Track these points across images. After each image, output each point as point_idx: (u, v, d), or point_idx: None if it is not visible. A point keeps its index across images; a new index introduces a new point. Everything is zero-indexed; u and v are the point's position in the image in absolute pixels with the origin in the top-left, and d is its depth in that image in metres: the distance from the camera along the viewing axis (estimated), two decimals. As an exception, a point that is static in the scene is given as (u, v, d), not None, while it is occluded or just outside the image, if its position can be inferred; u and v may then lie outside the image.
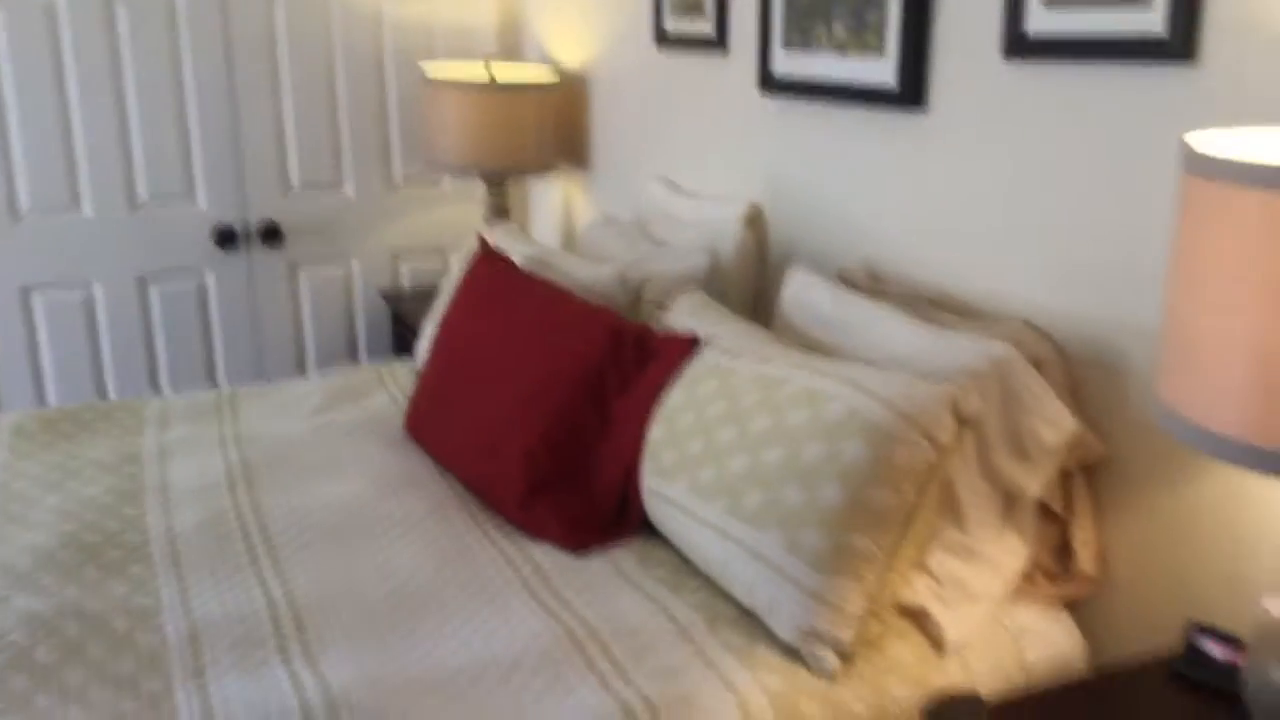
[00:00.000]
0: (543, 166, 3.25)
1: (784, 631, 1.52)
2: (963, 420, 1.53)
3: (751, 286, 2.41)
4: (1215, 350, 1.06)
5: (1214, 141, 1.16)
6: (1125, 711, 1.35)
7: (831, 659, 1.48)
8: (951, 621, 1.58)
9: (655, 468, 1.78)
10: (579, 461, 1.93)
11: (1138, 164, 1.59)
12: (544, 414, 1.93)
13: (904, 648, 1.56)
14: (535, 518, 1.85)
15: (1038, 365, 1.67)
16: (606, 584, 1.70)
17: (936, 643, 1.58)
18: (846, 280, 2.08)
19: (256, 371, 3.55)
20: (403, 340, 3.45)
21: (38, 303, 3.24)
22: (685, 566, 1.75)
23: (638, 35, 2.98)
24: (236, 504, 1.98)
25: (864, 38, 2.06)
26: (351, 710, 1.38)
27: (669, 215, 2.69)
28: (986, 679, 1.59)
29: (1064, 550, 1.72)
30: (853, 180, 2.19)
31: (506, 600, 1.65)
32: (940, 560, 1.61)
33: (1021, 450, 1.64)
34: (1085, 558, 1.70)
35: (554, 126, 3.26)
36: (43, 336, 3.27)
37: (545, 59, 3.56)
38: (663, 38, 2.80)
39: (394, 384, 2.62)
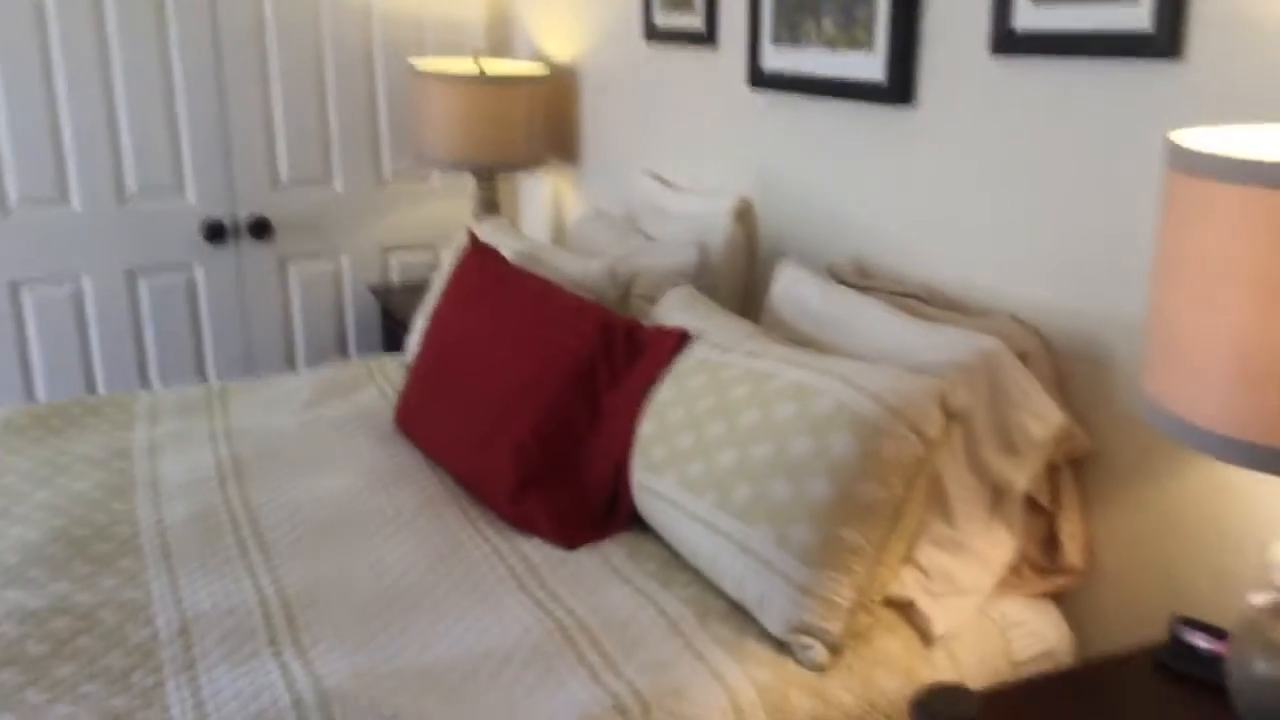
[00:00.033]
0: (532, 161, 3.25)
1: (773, 625, 1.52)
2: (950, 414, 1.54)
3: (741, 281, 2.42)
4: (1198, 345, 1.07)
5: (1199, 138, 1.17)
6: (1110, 701, 1.36)
7: (820, 651, 1.49)
8: (939, 614, 1.59)
9: (645, 462, 1.79)
10: (569, 456, 1.93)
11: (1125, 160, 1.60)
12: (534, 408, 1.94)
13: (892, 640, 1.57)
14: (526, 512, 1.86)
15: (1025, 359, 1.68)
16: (597, 578, 1.71)
17: (924, 635, 1.59)
18: (835, 275, 2.09)
19: (246, 366, 3.55)
20: (392, 335, 3.45)
21: (26, 297, 3.23)
22: (675, 561, 1.76)
23: (627, 30, 2.98)
24: (227, 498, 1.98)
25: (853, 33, 2.07)
26: (343, 703, 1.38)
27: (659, 210, 2.70)
28: (974, 671, 1.60)
29: (1051, 543, 1.73)
30: (842, 175, 2.20)
31: (498, 595, 1.66)
32: (928, 553, 1.62)
33: (1009, 444, 1.65)
34: (1072, 550, 1.71)
35: (543, 121, 3.26)
36: (31, 331, 3.26)
37: (535, 54, 3.56)
38: (652, 32, 2.81)
39: (384, 378, 2.62)
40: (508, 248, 2.46)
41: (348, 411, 2.39)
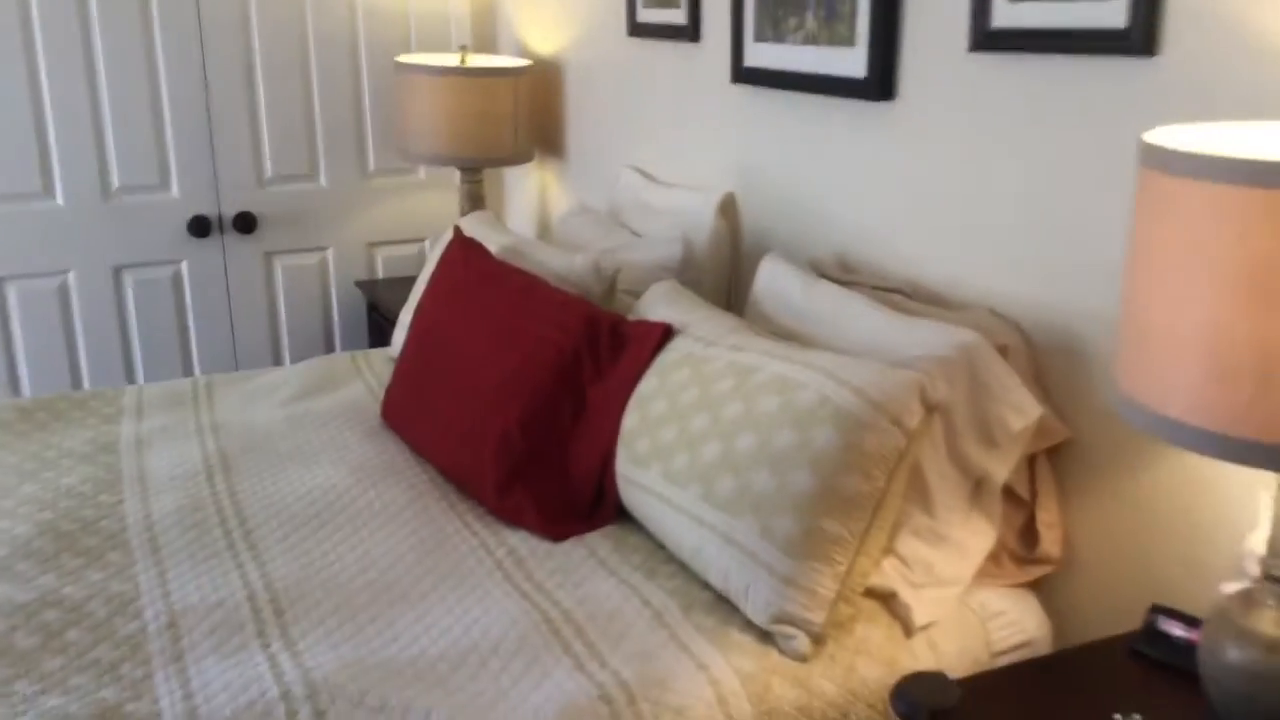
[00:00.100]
0: (517, 156, 3.26)
1: (757, 615, 1.54)
2: (931, 406, 1.56)
3: (725, 275, 2.44)
4: (1170, 339, 1.09)
5: (1173, 136, 1.19)
6: (1088, 688, 1.38)
7: (803, 641, 1.51)
8: (920, 604, 1.61)
9: (629, 455, 1.80)
10: (555, 449, 1.95)
11: (1100, 156, 1.62)
12: (520, 401, 1.95)
13: (873, 629, 1.60)
14: (512, 505, 1.87)
15: (1004, 353, 1.70)
16: (583, 570, 1.72)
17: (905, 625, 1.61)
18: (818, 269, 2.11)
19: (231, 361, 3.55)
20: (378, 329, 3.45)
21: (11, 292, 3.22)
22: (660, 552, 1.78)
23: (611, 24, 2.99)
24: (214, 492, 1.99)
25: (835, 28, 2.09)
26: (331, 695, 1.40)
27: (643, 204, 2.71)
28: (954, 660, 1.62)
29: (1029, 533, 1.76)
30: (824, 170, 2.22)
31: (484, 587, 1.68)
32: (909, 544, 1.64)
33: (988, 436, 1.67)
34: (1050, 540, 1.74)
35: (528, 116, 3.27)
36: (16, 326, 3.25)
37: (520, 50, 3.57)
38: (636, 27, 2.82)
39: (370, 372, 2.63)
40: (493, 242, 2.47)
41: (334, 406, 2.40)
